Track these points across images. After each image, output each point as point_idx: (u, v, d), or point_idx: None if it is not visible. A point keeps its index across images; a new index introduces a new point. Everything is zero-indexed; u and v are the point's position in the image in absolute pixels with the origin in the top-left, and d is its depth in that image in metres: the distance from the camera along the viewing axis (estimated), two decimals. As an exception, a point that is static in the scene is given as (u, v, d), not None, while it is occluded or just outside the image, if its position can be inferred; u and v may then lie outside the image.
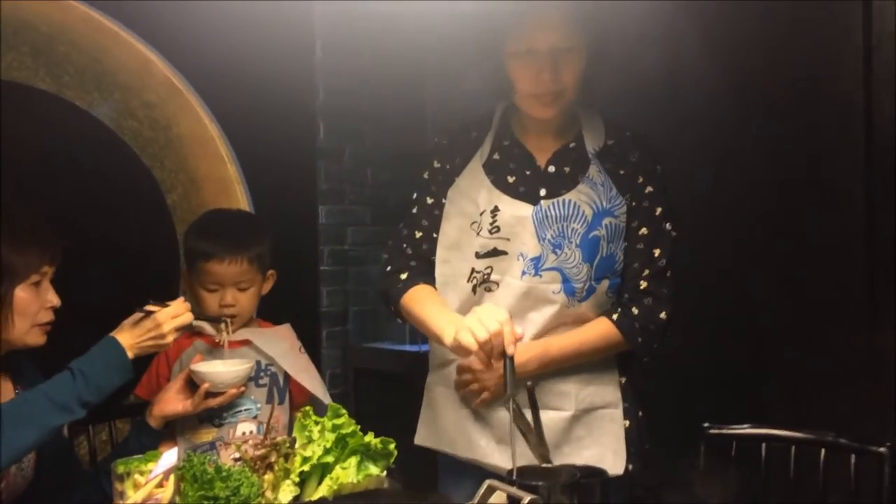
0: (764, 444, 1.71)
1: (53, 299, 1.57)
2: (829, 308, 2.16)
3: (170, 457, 1.44)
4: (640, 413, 1.71)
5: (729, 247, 2.31)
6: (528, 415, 1.40)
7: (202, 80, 2.67)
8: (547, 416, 1.60)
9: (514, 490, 1.18)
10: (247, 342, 1.81)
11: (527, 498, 1.13)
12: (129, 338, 1.56)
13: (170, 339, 1.59)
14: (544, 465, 1.38)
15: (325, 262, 3.09)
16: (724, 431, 1.74)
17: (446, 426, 1.71)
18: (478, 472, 1.59)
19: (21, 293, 1.51)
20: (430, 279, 1.69)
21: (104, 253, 2.44)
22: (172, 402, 1.68)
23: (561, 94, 1.61)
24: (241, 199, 2.79)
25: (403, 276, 1.70)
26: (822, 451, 1.65)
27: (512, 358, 1.41)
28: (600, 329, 1.63)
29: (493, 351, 1.42)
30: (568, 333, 1.64)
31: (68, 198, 2.39)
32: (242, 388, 1.70)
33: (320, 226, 3.07)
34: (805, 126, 2.19)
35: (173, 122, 2.66)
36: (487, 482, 1.21)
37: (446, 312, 1.59)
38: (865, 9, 2.06)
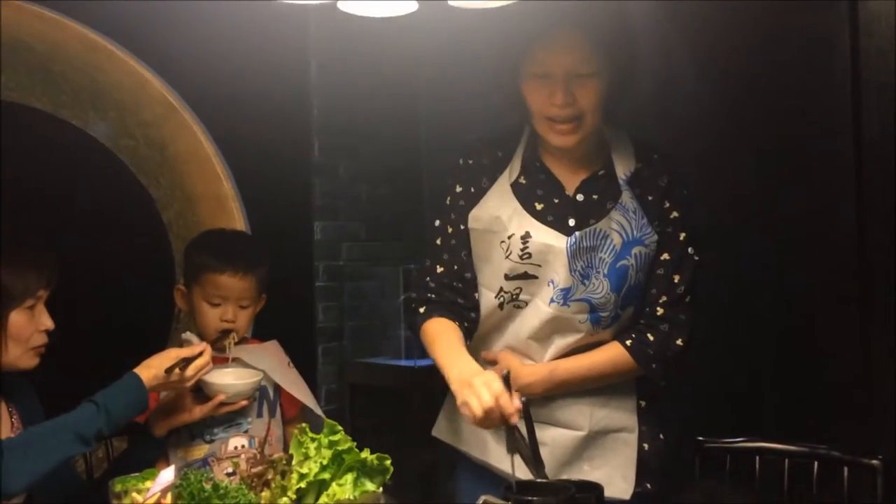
0: (757, 457, 1.72)
1: (47, 322, 1.57)
2: (822, 320, 2.18)
3: (167, 475, 1.44)
4: (662, 436, 1.68)
5: (720, 257, 2.33)
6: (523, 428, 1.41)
7: (198, 98, 2.69)
8: (561, 434, 1.63)
9: (509, 505, 1.19)
10: (236, 360, 1.82)
11: (522, 513, 1.13)
12: (152, 379, 1.56)
13: (190, 383, 1.61)
14: (539, 479, 1.39)
15: (320, 278, 3.10)
16: (718, 445, 1.75)
17: (463, 426, 1.70)
18: (494, 478, 1.60)
19: (15, 317, 1.51)
20: (447, 313, 1.65)
21: (100, 270, 2.45)
22: (179, 410, 1.68)
23: (579, 121, 1.56)
24: (236, 216, 2.80)
25: (422, 310, 1.68)
26: (816, 463, 1.66)
27: (514, 427, 1.40)
28: (611, 354, 1.61)
29: (493, 422, 1.41)
30: (577, 357, 1.62)
31: (65, 216, 2.40)
32: (250, 400, 1.72)
33: (315, 242, 3.08)
34: (795, 136, 2.22)
35: (169, 140, 2.68)
36: (483, 498, 1.22)
37: (458, 354, 1.55)
38: (852, 17, 2.09)
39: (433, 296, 1.68)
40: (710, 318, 1.72)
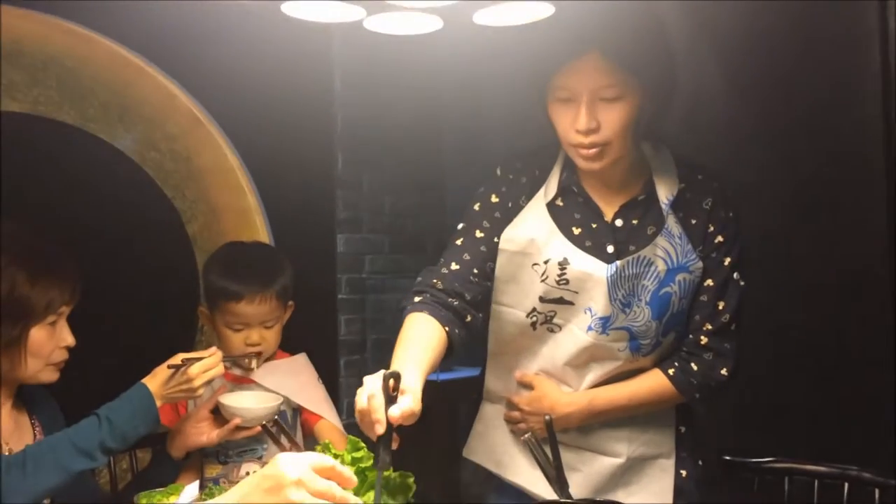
0: (787, 478, 1.69)
1: (68, 339, 1.55)
2: (854, 337, 2.14)
3: (192, 490, 1.44)
4: (701, 462, 1.65)
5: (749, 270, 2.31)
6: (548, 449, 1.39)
7: (223, 112, 2.71)
8: (598, 461, 1.60)
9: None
10: (253, 382, 1.80)
11: (546, 534, 1.12)
12: (160, 388, 1.54)
13: (200, 391, 1.57)
14: (563, 500, 1.37)
15: (342, 291, 3.10)
16: (747, 464, 1.72)
17: (495, 446, 1.68)
18: (528, 501, 1.58)
19: (36, 333, 1.49)
20: (443, 311, 1.55)
21: (125, 283, 2.47)
22: (195, 433, 1.67)
23: (605, 146, 1.49)
24: (260, 229, 2.82)
25: (417, 299, 1.59)
26: (846, 485, 1.63)
27: (382, 437, 1.24)
28: (652, 383, 1.58)
29: (367, 428, 1.27)
30: (617, 386, 1.58)
31: (91, 228, 2.42)
32: (267, 425, 1.69)
33: (338, 254, 3.09)
34: (825, 147, 2.19)
35: (194, 153, 2.70)
36: (507, 518, 1.20)
37: (400, 363, 1.38)
38: (882, 23, 2.06)
39: (437, 289, 1.57)
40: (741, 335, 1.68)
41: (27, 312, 1.48)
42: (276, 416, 1.74)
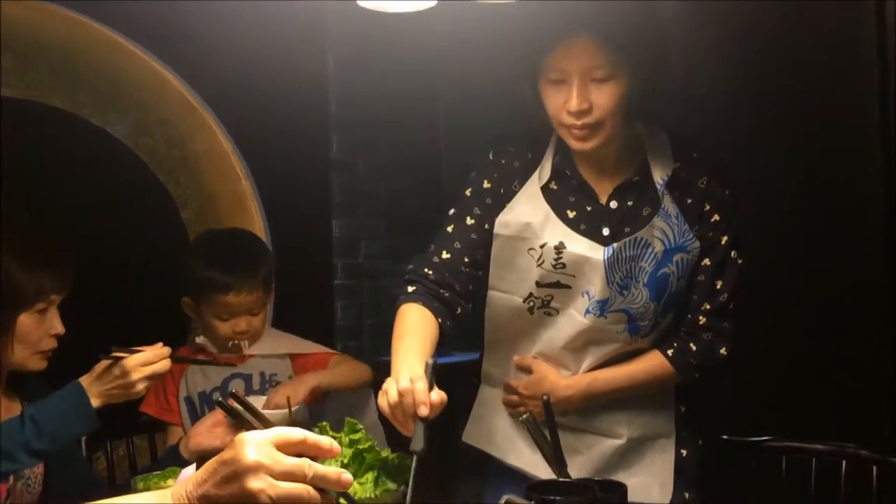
0: (784, 457, 1.70)
1: (58, 327, 1.52)
2: (851, 317, 2.14)
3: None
4: (700, 441, 1.65)
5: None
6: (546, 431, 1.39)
7: (216, 96, 2.69)
8: (598, 442, 1.60)
9: (532, 505, 1.17)
10: (251, 357, 1.87)
11: (545, 513, 1.12)
12: (95, 385, 1.45)
13: (140, 387, 1.47)
14: (562, 479, 1.37)
15: (339, 276, 3.09)
16: (746, 443, 1.72)
17: (495, 430, 1.68)
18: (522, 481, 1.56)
19: (25, 319, 1.47)
20: (434, 301, 1.56)
21: (119, 269, 2.46)
22: (209, 436, 1.62)
23: (597, 126, 1.49)
24: (254, 214, 2.80)
25: (410, 289, 1.59)
26: (844, 462, 1.63)
27: (424, 419, 1.28)
28: (652, 365, 1.58)
29: (405, 413, 1.30)
30: (616, 368, 1.59)
31: (84, 214, 2.41)
32: None
33: (334, 239, 3.08)
34: (822, 133, 2.18)
35: (188, 138, 2.68)
36: (505, 497, 1.20)
37: (407, 355, 1.42)
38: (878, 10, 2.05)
39: (428, 279, 1.58)
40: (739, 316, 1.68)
41: (16, 299, 1.45)
42: (266, 391, 1.79)
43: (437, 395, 1.30)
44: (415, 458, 1.25)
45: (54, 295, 1.51)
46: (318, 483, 0.80)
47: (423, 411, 1.28)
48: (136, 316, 2.47)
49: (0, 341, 1.46)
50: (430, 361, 1.37)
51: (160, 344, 1.53)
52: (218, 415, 1.65)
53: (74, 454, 1.66)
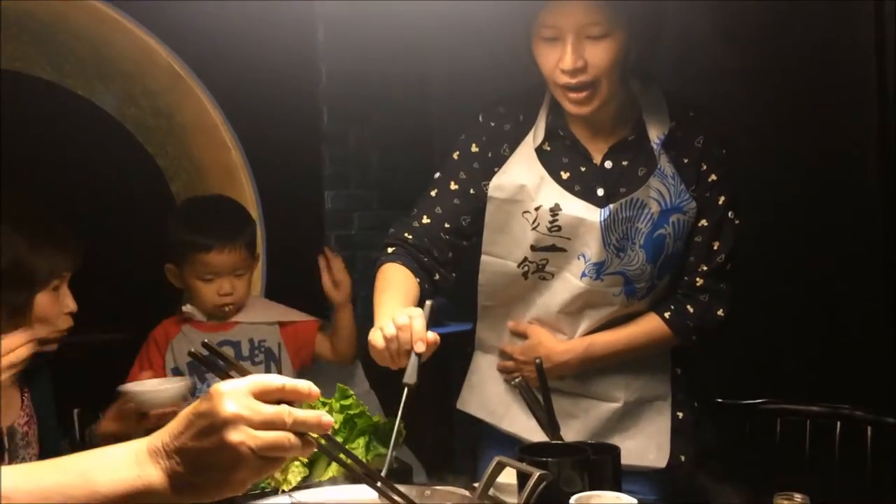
0: (779, 419, 1.70)
1: (71, 304, 1.52)
2: (846, 280, 2.13)
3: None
4: (696, 403, 1.65)
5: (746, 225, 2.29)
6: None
7: (204, 66, 2.65)
8: (595, 406, 1.59)
9: (523, 466, 1.16)
10: (238, 324, 1.87)
11: (536, 474, 1.11)
12: None
13: (3, 375, 1.36)
14: (555, 441, 1.36)
15: (331, 248, 3.07)
16: (739, 406, 1.72)
17: (489, 396, 1.68)
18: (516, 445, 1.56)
19: (41, 299, 1.47)
20: (414, 263, 1.57)
21: (107, 242, 2.43)
22: (110, 420, 1.57)
23: (593, 87, 1.47)
24: (245, 186, 2.77)
25: (390, 250, 1.60)
26: (838, 423, 1.63)
27: (419, 354, 1.30)
28: (649, 327, 1.57)
29: (400, 347, 1.31)
30: (613, 331, 1.57)
31: (71, 187, 2.38)
32: (175, 408, 1.54)
33: (326, 211, 3.06)
34: (819, 117, 2.16)
35: (176, 109, 2.65)
36: (497, 458, 1.19)
37: (392, 305, 1.44)
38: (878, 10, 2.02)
39: (408, 242, 1.58)
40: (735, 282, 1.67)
41: (30, 278, 1.45)
42: (256, 356, 1.80)
43: (432, 335, 1.31)
44: (406, 389, 1.28)
45: (66, 271, 1.51)
46: (299, 428, 0.78)
47: (420, 347, 1.29)
48: (125, 291, 2.46)
49: (20, 324, 1.44)
50: (430, 302, 1.39)
51: (22, 330, 1.42)
52: (123, 404, 1.57)
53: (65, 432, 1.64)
